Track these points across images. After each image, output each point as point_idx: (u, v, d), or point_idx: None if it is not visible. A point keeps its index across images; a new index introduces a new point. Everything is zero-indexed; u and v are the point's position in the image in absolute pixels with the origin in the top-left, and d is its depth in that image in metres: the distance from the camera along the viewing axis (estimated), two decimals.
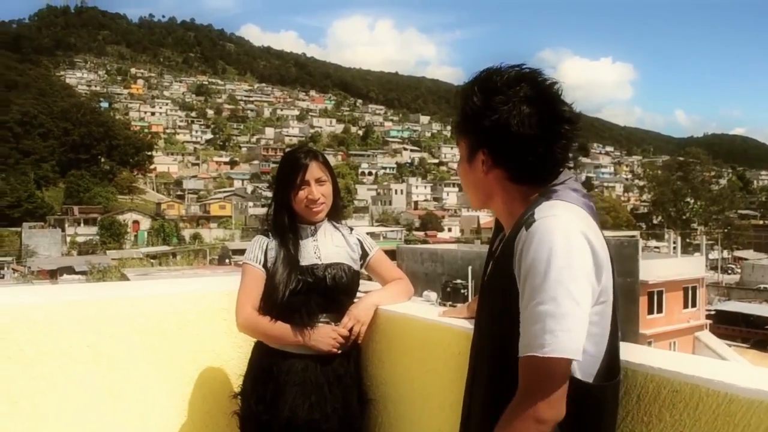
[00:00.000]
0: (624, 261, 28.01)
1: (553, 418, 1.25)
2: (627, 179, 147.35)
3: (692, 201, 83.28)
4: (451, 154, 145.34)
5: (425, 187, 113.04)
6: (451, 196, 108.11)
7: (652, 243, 69.08)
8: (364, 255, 2.46)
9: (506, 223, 1.48)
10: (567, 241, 1.27)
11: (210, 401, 2.62)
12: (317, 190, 2.34)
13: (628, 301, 26.67)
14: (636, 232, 45.75)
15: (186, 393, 2.58)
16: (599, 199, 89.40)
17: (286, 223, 2.38)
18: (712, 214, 79.99)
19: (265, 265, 2.32)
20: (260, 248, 2.35)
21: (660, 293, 29.41)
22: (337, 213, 2.48)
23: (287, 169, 2.38)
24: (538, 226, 1.29)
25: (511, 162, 1.39)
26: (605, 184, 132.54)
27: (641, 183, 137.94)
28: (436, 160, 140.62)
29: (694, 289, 30.65)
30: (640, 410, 1.47)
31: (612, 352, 1.37)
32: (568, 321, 1.23)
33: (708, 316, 32.14)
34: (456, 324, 2.02)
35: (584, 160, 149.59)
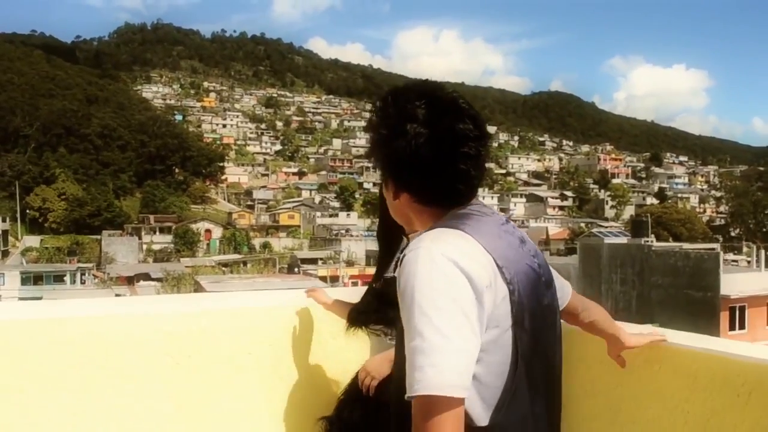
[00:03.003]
0: (704, 275, 27.02)
1: None
2: (702, 190, 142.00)
3: None
4: (519, 164, 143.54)
5: (492, 197, 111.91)
6: (518, 207, 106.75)
7: (730, 256, 66.31)
8: None
9: None
10: (429, 270, 1.21)
11: (298, 419, 2.58)
12: None
13: (708, 317, 25.68)
14: (716, 245, 43.96)
15: (274, 409, 2.57)
16: (674, 210, 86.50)
17: (379, 231, 2.37)
18: None
19: None
20: None
21: (742, 309, 28.25)
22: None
23: None
24: (407, 259, 1.25)
25: (411, 187, 1.36)
26: (679, 194, 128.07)
27: (718, 194, 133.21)
28: (503, 171, 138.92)
29: None
30: None
31: (517, 381, 1.27)
32: (435, 355, 1.14)
33: None
34: None
35: (657, 170, 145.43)
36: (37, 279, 46.80)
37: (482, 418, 1.24)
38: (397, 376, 1.31)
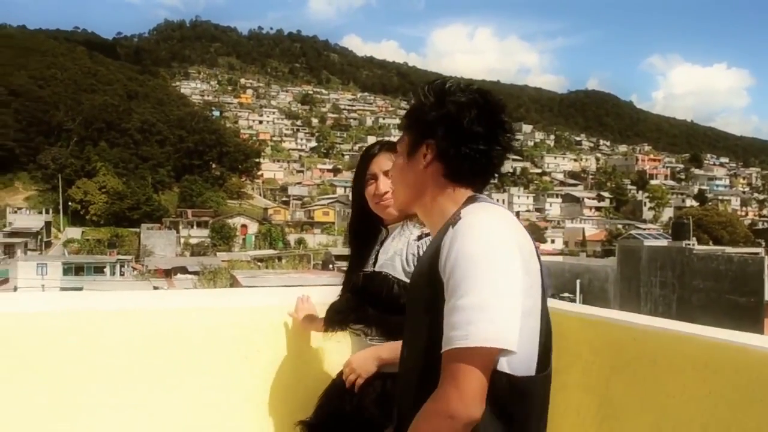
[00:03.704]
0: (747, 279, 26.46)
1: (467, 415, 1.20)
2: (744, 192, 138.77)
3: None
4: (555, 164, 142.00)
5: (527, 197, 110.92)
6: (554, 207, 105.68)
7: None
8: None
9: (431, 222, 1.52)
10: (491, 236, 1.30)
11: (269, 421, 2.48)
12: (384, 183, 2.08)
13: (752, 322, 25.13)
14: (760, 249, 42.96)
15: (244, 411, 2.45)
16: (714, 213, 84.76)
17: (354, 224, 2.23)
18: None
19: None
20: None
21: None
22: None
23: (359, 163, 2.21)
24: (463, 222, 1.32)
25: (453, 156, 1.42)
26: (720, 197, 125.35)
27: (761, 196, 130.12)
28: (539, 170, 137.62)
29: None
30: None
31: (546, 345, 1.37)
32: (491, 312, 1.22)
33: None
34: None
35: (697, 171, 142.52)
36: (78, 270, 47.79)
37: (526, 372, 1.31)
38: (430, 343, 1.31)
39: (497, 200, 1.45)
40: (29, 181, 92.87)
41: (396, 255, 2.05)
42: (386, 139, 2.52)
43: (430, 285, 1.34)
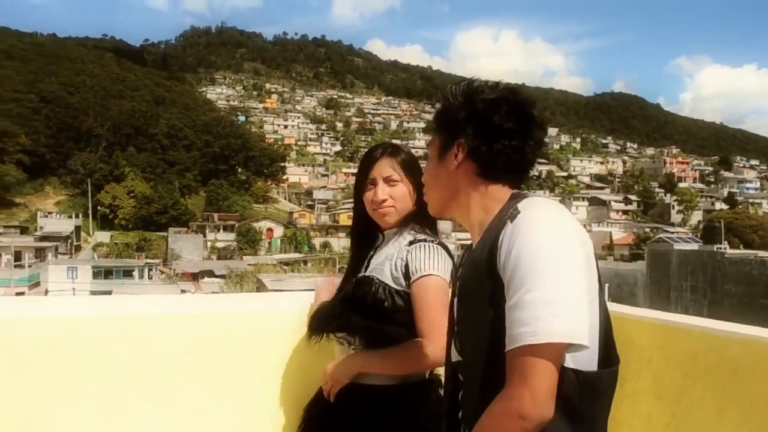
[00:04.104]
0: None
1: (538, 415, 1.16)
2: None
3: None
4: (581, 167, 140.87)
5: (553, 200, 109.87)
6: (580, 210, 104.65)
7: None
8: (408, 276, 1.94)
9: (470, 222, 1.46)
10: (555, 230, 1.26)
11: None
12: (383, 191, 2.02)
13: None
14: None
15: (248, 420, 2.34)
16: (745, 216, 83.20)
17: (355, 228, 2.17)
18: None
19: None
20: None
21: None
22: (420, 219, 2.03)
23: (360, 166, 2.14)
24: (523, 216, 1.28)
25: (485, 154, 1.39)
26: (751, 200, 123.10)
27: None
28: (565, 173, 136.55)
29: None
30: None
31: (607, 341, 1.32)
32: (559, 306, 1.18)
33: None
34: None
35: (726, 174, 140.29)
36: (107, 273, 48.38)
37: (589, 367, 1.27)
38: (489, 338, 1.29)
39: None
40: (59, 185, 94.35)
41: (386, 260, 1.99)
42: (390, 141, 2.45)
43: (486, 282, 1.29)
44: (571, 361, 1.22)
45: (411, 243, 1.97)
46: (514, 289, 1.22)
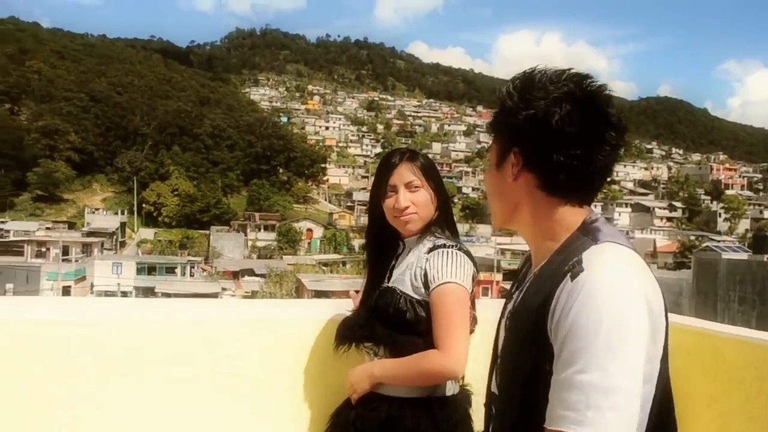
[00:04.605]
0: None
1: None
2: None
3: None
4: (624, 172, 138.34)
5: (595, 206, 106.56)
6: (623, 217, 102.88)
7: None
8: (427, 285, 1.90)
9: (532, 243, 1.30)
10: (622, 300, 1.07)
11: None
12: (405, 197, 1.97)
13: None
14: None
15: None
16: None
17: (371, 236, 2.12)
18: None
19: None
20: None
21: None
22: (441, 225, 2.02)
23: (378, 173, 2.07)
24: (587, 277, 1.09)
25: (544, 164, 1.19)
26: None
27: None
28: (608, 179, 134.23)
29: None
30: None
31: (660, 412, 1.15)
32: (618, 397, 1.02)
33: None
34: None
35: None
36: (150, 270, 49.27)
37: None
38: (525, 397, 1.18)
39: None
40: (106, 183, 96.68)
41: (407, 269, 1.96)
42: (406, 147, 2.46)
43: (533, 335, 1.15)
44: None
45: (430, 250, 1.94)
46: (564, 362, 1.07)
